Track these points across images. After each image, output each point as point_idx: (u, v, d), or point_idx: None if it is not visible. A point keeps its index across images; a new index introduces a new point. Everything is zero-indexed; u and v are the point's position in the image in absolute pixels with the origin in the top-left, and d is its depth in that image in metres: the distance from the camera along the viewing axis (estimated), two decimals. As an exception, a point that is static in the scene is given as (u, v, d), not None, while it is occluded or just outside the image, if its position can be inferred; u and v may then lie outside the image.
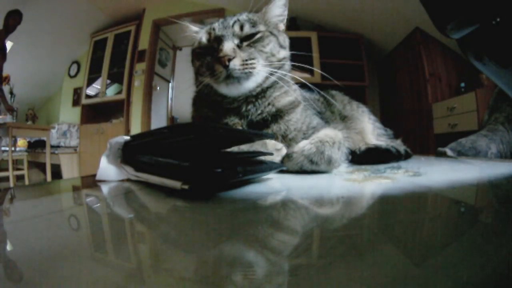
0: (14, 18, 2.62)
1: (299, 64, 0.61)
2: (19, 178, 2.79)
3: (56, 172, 3.14)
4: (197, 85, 0.57)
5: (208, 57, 0.54)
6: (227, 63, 0.49)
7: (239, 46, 0.52)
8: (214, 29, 0.54)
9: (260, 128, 0.56)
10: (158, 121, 3.53)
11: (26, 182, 2.72)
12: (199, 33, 0.57)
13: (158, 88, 3.62)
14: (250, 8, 0.59)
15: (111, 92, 3.49)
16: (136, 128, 3.27)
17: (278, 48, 0.56)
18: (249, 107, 0.56)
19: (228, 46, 0.50)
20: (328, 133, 0.49)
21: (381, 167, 0.54)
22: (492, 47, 0.45)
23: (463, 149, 1.01)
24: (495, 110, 1.17)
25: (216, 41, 0.53)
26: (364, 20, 2.80)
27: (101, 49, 3.56)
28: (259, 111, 0.56)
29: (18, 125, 2.74)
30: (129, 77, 3.34)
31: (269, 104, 0.56)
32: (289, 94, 0.59)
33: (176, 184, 0.32)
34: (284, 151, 0.50)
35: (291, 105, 0.58)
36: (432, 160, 0.73)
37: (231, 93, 0.53)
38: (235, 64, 0.49)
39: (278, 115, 0.56)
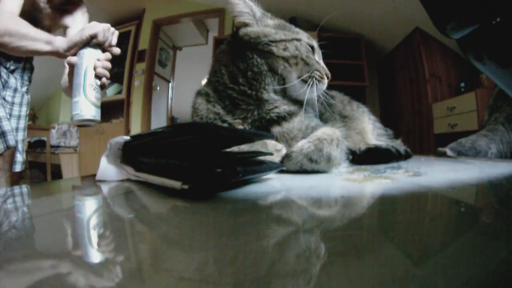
0: None
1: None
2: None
3: (56, 172, 3.14)
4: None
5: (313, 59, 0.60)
6: (326, 79, 0.61)
7: None
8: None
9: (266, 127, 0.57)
10: (158, 121, 3.53)
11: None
12: (300, 33, 0.63)
13: (158, 88, 3.62)
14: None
15: (111, 92, 3.49)
16: (136, 128, 3.27)
17: None
18: None
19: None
20: (325, 131, 0.50)
21: (381, 167, 0.54)
22: (492, 47, 0.45)
23: (463, 149, 1.01)
24: (495, 110, 1.17)
25: (315, 54, 0.63)
26: (364, 20, 2.80)
27: (101, 49, 3.55)
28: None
29: (18, 125, 2.73)
30: (129, 77, 3.34)
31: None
32: None
33: (176, 184, 0.32)
34: (284, 151, 0.50)
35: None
36: (432, 160, 0.73)
37: (306, 96, 0.58)
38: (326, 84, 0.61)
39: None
